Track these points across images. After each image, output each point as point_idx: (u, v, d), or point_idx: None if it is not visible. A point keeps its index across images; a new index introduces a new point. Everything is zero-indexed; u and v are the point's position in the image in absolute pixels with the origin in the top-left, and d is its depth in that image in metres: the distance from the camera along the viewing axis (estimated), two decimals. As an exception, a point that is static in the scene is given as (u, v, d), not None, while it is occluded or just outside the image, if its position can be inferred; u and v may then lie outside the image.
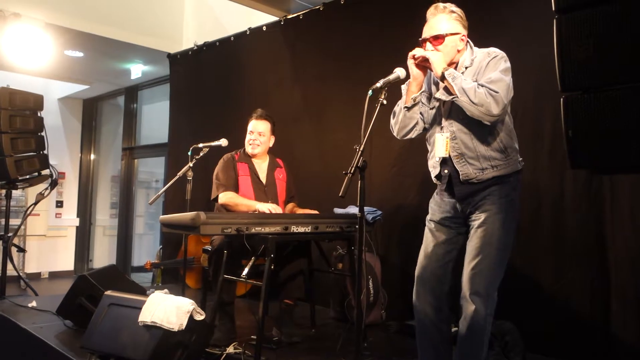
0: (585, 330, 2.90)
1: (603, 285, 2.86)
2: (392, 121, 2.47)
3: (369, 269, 3.65)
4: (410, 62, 2.32)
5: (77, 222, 8.62)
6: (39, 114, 4.72)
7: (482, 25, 3.15)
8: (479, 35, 2.54)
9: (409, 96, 2.37)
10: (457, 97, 2.16)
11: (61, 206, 8.46)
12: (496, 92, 2.11)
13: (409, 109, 2.38)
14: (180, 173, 3.79)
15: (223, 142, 3.78)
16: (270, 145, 3.62)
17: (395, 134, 2.49)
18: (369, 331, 3.39)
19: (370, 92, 2.24)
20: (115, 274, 3.71)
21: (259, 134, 3.54)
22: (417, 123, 2.43)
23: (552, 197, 3.08)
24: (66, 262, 8.44)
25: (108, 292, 2.90)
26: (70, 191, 8.59)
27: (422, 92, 2.40)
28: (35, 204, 4.81)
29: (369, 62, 3.98)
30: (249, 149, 3.55)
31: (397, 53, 2.35)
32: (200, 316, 2.65)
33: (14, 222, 6.22)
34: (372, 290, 3.66)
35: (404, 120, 2.41)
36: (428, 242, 2.41)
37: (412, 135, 2.46)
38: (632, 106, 1.21)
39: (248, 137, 3.55)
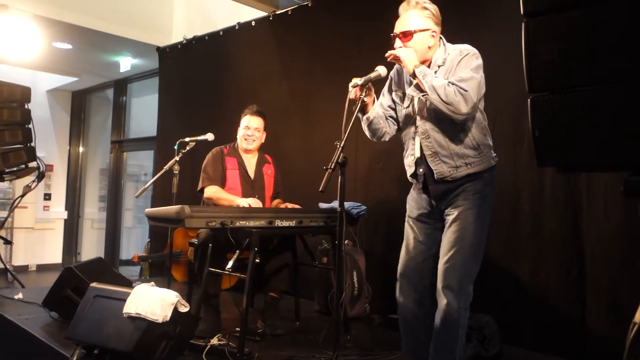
0: (562, 322, 2.98)
1: (579, 278, 2.93)
2: (363, 127, 2.50)
3: (353, 263, 3.71)
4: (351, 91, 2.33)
5: (65, 215, 8.60)
6: (26, 106, 4.72)
7: (464, 23, 3.21)
8: (460, 33, 2.59)
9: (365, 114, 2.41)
10: (428, 94, 2.20)
11: (49, 199, 8.44)
12: (465, 90, 2.14)
13: (368, 124, 2.43)
14: (166, 167, 3.82)
15: (209, 136, 3.81)
16: (262, 141, 3.66)
17: (369, 138, 2.53)
18: (353, 324, 3.45)
19: (350, 88, 2.28)
20: (101, 267, 3.73)
21: (255, 129, 3.58)
22: (386, 130, 2.47)
23: (531, 193, 3.14)
24: (54, 255, 8.43)
25: (93, 284, 2.92)
26: (58, 184, 8.56)
27: (388, 98, 2.48)
28: (22, 196, 4.82)
29: (356, 58, 4.02)
30: (244, 144, 3.58)
31: (385, 49, 2.38)
32: (184, 308, 2.69)
33: (1, 214, 6.22)
34: (356, 284, 3.71)
35: (369, 130, 2.47)
36: (408, 238, 2.46)
37: (386, 138, 2.51)
38: (594, 108, 1.26)
39: (243, 132, 3.58)
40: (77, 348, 2.71)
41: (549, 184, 3.06)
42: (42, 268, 8.19)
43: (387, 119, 2.49)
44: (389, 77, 2.51)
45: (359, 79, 2.31)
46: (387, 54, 2.33)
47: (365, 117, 2.41)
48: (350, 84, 2.32)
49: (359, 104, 2.31)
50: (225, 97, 5.17)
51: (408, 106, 2.41)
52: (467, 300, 2.25)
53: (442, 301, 2.22)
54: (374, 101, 2.43)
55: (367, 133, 2.49)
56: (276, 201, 3.68)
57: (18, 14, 5.04)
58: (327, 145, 4.05)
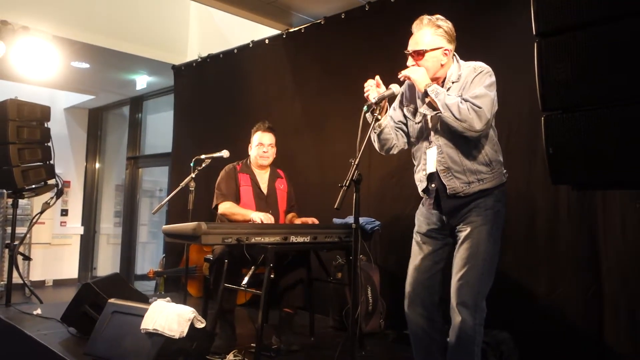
0: (579, 341, 2.95)
1: (596, 297, 2.90)
2: (372, 137, 2.48)
3: (367, 278, 3.71)
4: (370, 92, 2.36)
5: (81, 230, 8.70)
6: (45, 125, 4.81)
7: (479, 41, 3.24)
8: (473, 50, 2.61)
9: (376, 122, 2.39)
10: (441, 112, 2.21)
11: (66, 214, 8.55)
12: (479, 107, 2.16)
13: (378, 133, 2.41)
14: (182, 184, 3.87)
15: (225, 153, 3.86)
16: (275, 156, 3.71)
17: (378, 150, 2.52)
18: (368, 340, 3.44)
19: (365, 107, 2.30)
20: (118, 282, 3.77)
21: (269, 145, 3.63)
22: (395, 142, 2.47)
23: (546, 210, 3.13)
24: (70, 270, 8.52)
25: (111, 300, 2.97)
26: (75, 200, 8.68)
27: (399, 112, 2.50)
28: (41, 213, 4.89)
29: (368, 75, 4.01)
30: (260, 161, 3.63)
31: (397, 67, 2.41)
32: (200, 324, 2.72)
33: (20, 230, 6.31)
34: (370, 299, 3.71)
35: (379, 141, 2.45)
36: (415, 254, 2.47)
37: (395, 151, 2.51)
38: (607, 126, 1.27)
39: (258, 149, 3.62)
40: (96, 364, 2.74)
41: (564, 201, 3.04)
42: (59, 283, 8.28)
43: (396, 131, 2.49)
44: (401, 93, 2.54)
45: (373, 98, 2.33)
46: (399, 74, 2.36)
47: (377, 124, 2.38)
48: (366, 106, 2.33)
49: (374, 122, 2.34)
50: (239, 115, 5.23)
51: (420, 121, 2.42)
52: (482, 316, 2.24)
53: (457, 318, 2.21)
54: (386, 110, 2.44)
55: (376, 144, 2.47)
56: (290, 215, 3.71)
57: (38, 35, 5.16)
58: (340, 162, 4.07)
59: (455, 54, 2.41)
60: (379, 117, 2.35)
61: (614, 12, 1.24)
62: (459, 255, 2.28)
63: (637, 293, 2.72)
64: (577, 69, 1.29)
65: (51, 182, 4.85)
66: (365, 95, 2.39)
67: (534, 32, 1.37)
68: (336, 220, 3.61)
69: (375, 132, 2.42)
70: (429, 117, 2.36)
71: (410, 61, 2.37)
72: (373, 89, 2.38)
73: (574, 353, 2.95)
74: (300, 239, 3.04)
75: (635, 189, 1.33)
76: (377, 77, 2.42)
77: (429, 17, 2.36)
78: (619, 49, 1.23)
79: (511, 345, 2.94)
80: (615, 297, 2.83)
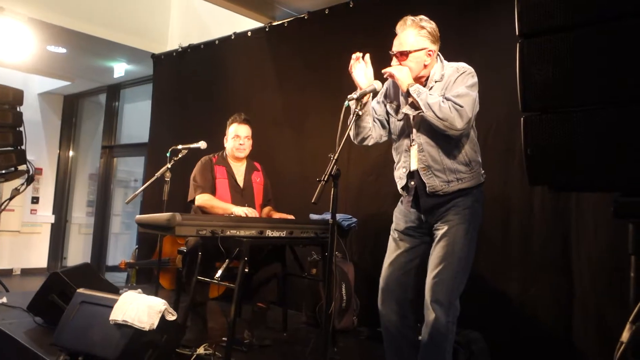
0: (549, 340, 2.99)
1: (566, 297, 2.95)
2: (350, 124, 2.43)
3: (342, 275, 3.71)
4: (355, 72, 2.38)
5: (52, 219, 8.51)
6: (18, 109, 4.69)
7: (460, 41, 3.26)
8: (455, 51, 2.62)
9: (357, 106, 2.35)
10: (423, 111, 2.22)
11: (37, 202, 8.35)
12: (461, 106, 2.18)
13: (356, 118, 2.36)
14: (158, 174, 3.81)
15: (202, 144, 3.81)
16: (251, 148, 3.67)
17: (352, 139, 2.48)
18: (341, 337, 3.45)
19: (346, 102, 2.29)
20: (88, 272, 3.70)
21: (245, 137, 3.59)
22: (371, 133, 2.44)
23: (521, 210, 3.17)
24: (39, 259, 8.33)
25: (80, 290, 2.90)
26: (46, 187, 8.49)
27: (382, 106, 2.50)
28: (10, 199, 4.78)
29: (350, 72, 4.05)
30: (237, 153, 3.58)
31: (380, 64, 2.41)
32: (171, 316, 2.67)
33: (-13, 216, 6.14)
34: (344, 296, 3.71)
35: (355, 127, 2.42)
36: (392, 251, 2.48)
37: (369, 142, 2.48)
38: (585, 128, 1.28)
39: (235, 141, 3.57)
40: (62, 354, 2.69)
41: (539, 202, 3.09)
42: (27, 272, 8.09)
43: (374, 122, 2.48)
44: (385, 87, 2.54)
45: (354, 93, 2.32)
46: (383, 71, 2.36)
47: (356, 107, 2.33)
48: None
49: (354, 117, 2.33)
50: (218, 106, 5.17)
51: (402, 119, 2.44)
52: (455, 314, 2.26)
53: (431, 315, 2.23)
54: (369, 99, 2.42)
55: (352, 132, 2.43)
56: (267, 209, 3.68)
57: (13, 17, 5.03)
58: (319, 157, 4.07)
59: (439, 54, 2.42)
60: (360, 112, 2.34)
61: (596, 15, 1.25)
62: (435, 253, 2.29)
63: (606, 294, 2.77)
64: (558, 71, 1.30)
65: (22, 168, 4.74)
66: (350, 69, 2.40)
67: (517, 33, 1.37)
68: (313, 216, 3.60)
69: (353, 118, 2.35)
70: (411, 116, 2.36)
71: (394, 61, 2.38)
72: (356, 64, 2.40)
73: (545, 353, 3.00)
74: (276, 234, 3.02)
75: (611, 191, 1.34)
76: (367, 56, 2.41)
77: (412, 17, 2.37)
78: (600, 52, 1.24)
79: (482, 345, 2.96)
80: (585, 298, 2.88)
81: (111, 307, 2.64)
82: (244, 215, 3.17)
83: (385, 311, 2.43)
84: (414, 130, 2.37)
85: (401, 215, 2.49)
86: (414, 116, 2.35)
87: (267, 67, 4.89)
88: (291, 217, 3.47)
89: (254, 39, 5.01)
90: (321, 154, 2.34)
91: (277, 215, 3.55)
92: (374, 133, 2.47)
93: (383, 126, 2.51)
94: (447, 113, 2.17)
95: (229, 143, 3.61)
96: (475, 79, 2.30)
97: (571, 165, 1.33)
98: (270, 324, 3.52)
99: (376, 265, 3.83)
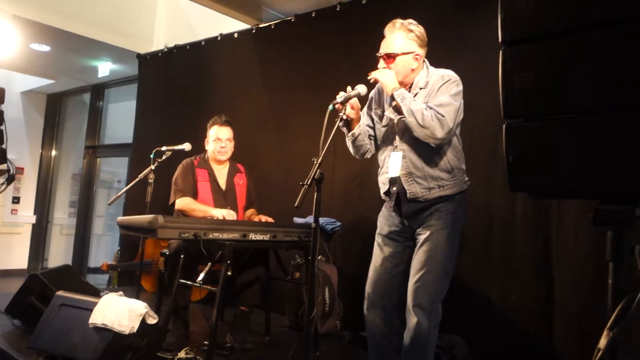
0: (530, 346, 3.02)
1: (547, 303, 2.98)
2: (347, 143, 2.52)
3: (325, 278, 3.70)
4: (347, 104, 2.35)
5: (33, 219, 8.38)
6: (-1, 107, 4.61)
7: (445, 47, 3.27)
8: (442, 55, 2.63)
9: (350, 130, 2.44)
10: (405, 117, 2.23)
11: (18, 202, 8.22)
12: (443, 116, 2.18)
13: (353, 140, 2.45)
14: (141, 175, 3.77)
15: (186, 146, 3.78)
16: (233, 150, 3.64)
17: (354, 155, 2.56)
18: (323, 340, 3.44)
19: (330, 106, 2.29)
20: (69, 274, 3.65)
21: (227, 140, 3.56)
22: (369, 147, 2.51)
23: (504, 217, 3.19)
24: (20, 260, 8.18)
25: (59, 293, 2.87)
26: (28, 187, 8.35)
27: (367, 117, 2.50)
28: (-10, 198, 4.69)
29: (336, 74, 4.06)
30: (218, 156, 3.55)
31: (365, 67, 2.41)
32: (152, 320, 2.65)
33: (-34, 216, 6.03)
34: (327, 300, 3.70)
35: (354, 147, 2.49)
36: (377, 256, 2.48)
37: (368, 155, 2.55)
38: (566, 136, 1.29)
39: (216, 144, 3.54)
40: (40, 358, 2.64)
41: (521, 208, 3.11)
42: (7, 273, 7.94)
43: (369, 137, 2.52)
44: (370, 97, 2.55)
45: (338, 97, 2.32)
46: (369, 77, 2.36)
47: (350, 133, 2.43)
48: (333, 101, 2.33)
49: (340, 121, 2.33)
50: (204, 108, 5.14)
51: (386, 125, 2.44)
52: (437, 319, 2.26)
53: (412, 320, 2.23)
54: (359, 118, 2.45)
55: (351, 150, 2.52)
56: (250, 212, 3.65)
57: (-4, 13, 4.96)
58: (304, 160, 4.07)
59: (426, 60, 2.43)
60: (344, 117, 2.34)
61: (578, 24, 1.26)
62: (417, 258, 2.30)
63: (586, 300, 2.80)
64: (540, 78, 1.31)
65: (2, 167, 4.65)
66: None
67: (500, 40, 1.38)
68: (297, 220, 3.59)
69: (349, 140, 2.46)
70: (395, 122, 2.37)
71: (381, 63, 2.38)
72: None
73: (526, 358, 3.02)
74: (259, 237, 3.01)
75: (591, 199, 1.35)
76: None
77: (401, 20, 2.38)
78: (581, 61, 1.25)
79: (464, 349, 2.98)
80: (565, 304, 2.91)
81: (91, 310, 2.61)
82: (222, 218, 3.15)
83: (370, 316, 2.43)
84: (397, 137, 2.38)
85: (385, 220, 2.50)
86: (397, 122, 2.35)
87: (253, 69, 4.88)
88: (270, 220, 3.45)
89: (241, 41, 5.00)
90: (306, 157, 2.34)
91: (257, 218, 3.52)
92: (371, 147, 2.53)
93: (373, 137, 2.54)
94: (429, 121, 2.18)
95: (210, 146, 3.58)
96: (460, 88, 2.31)
97: (552, 173, 1.34)
98: (252, 328, 3.50)
99: (360, 269, 3.84)
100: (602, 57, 1.23)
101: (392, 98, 2.30)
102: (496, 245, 3.21)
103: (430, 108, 2.20)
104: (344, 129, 2.44)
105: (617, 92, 1.22)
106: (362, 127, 2.46)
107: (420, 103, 2.24)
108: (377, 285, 2.43)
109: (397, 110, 2.31)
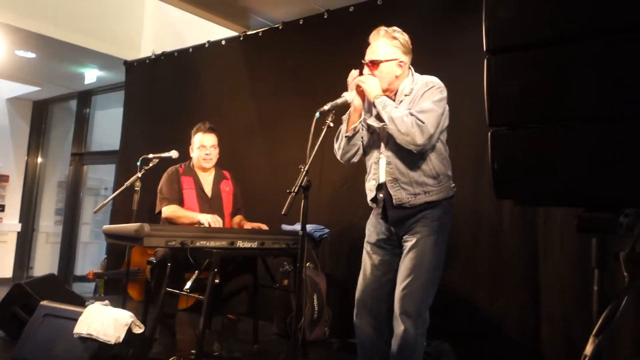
0: (517, 352, 3.03)
1: (534, 310, 2.99)
2: (336, 146, 2.52)
3: (313, 285, 3.69)
4: (354, 92, 2.37)
5: (18, 227, 8.27)
6: (-17, 115, 4.56)
7: (431, 53, 3.29)
8: (426, 63, 2.64)
9: (349, 125, 2.43)
10: (387, 124, 2.24)
11: (2, 210, 8.11)
12: (423, 122, 2.19)
13: (349, 138, 2.43)
14: (127, 183, 3.74)
15: (173, 153, 3.76)
16: (218, 157, 3.62)
17: (338, 158, 2.53)
18: (312, 348, 3.42)
19: (317, 114, 2.29)
20: (54, 284, 3.61)
21: (211, 147, 3.53)
22: (359, 149, 2.49)
23: (491, 224, 3.21)
24: (4, 268, 8.06)
25: (44, 302, 2.83)
26: (13, 195, 8.24)
27: (362, 120, 2.46)
28: (-26, 207, 4.62)
29: (324, 82, 4.06)
30: (203, 164, 3.52)
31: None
32: (139, 329, 2.62)
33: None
34: (316, 307, 3.69)
35: (346, 147, 2.46)
36: (366, 264, 2.47)
37: (355, 159, 2.52)
38: (550, 144, 1.30)
39: (201, 151, 3.51)
40: (23, 369, 2.60)
41: (508, 216, 3.13)
42: (-9, 282, 7.84)
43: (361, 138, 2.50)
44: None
45: (326, 105, 2.33)
46: (352, 80, 2.37)
47: (352, 127, 2.40)
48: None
49: (325, 128, 2.33)
50: (191, 115, 5.11)
51: (373, 131, 2.44)
52: (424, 326, 2.26)
53: (400, 327, 2.23)
54: (360, 114, 2.43)
55: (340, 150, 2.48)
56: (237, 218, 3.63)
57: (-20, 20, 4.91)
58: (291, 167, 4.07)
59: (411, 67, 2.44)
60: (331, 124, 2.34)
61: (564, 33, 1.27)
62: (404, 265, 2.29)
63: (573, 306, 2.82)
64: (524, 86, 1.31)
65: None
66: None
67: (485, 48, 1.38)
68: (285, 227, 3.58)
69: (348, 134, 2.42)
70: (376, 128, 2.37)
71: (366, 70, 2.39)
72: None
73: (512, 365, 3.03)
74: (247, 244, 2.99)
75: (575, 206, 1.36)
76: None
77: (386, 28, 2.39)
78: (566, 70, 1.26)
79: (452, 356, 2.98)
80: (551, 311, 2.92)
81: (76, 320, 2.58)
82: (207, 224, 3.12)
83: (360, 324, 2.42)
84: (382, 143, 2.38)
85: (373, 227, 2.50)
86: (379, 128, 2.35)
87: (240, 76, 4.87)
88: (264, 227, 3.44)
89: (228, 48, 5.00)
90: (294, 163, 2.34)
91: (249, 225, 3.51)
92: (360, 150, 2.50)
93: (362, 143, 2.53)
94: (409, 128, 2.18)
95: (195, 153, 3.55)
96: (444, 94, 2.31)
97: (537, 180, 1.34)
98: (240, 336, 3.47)
99: (349, 276, 3.85)
100: (587, 67, 1.24)
101: (374, 106, 2.30)
102: (483, 252, 3.23)
103: (412, 115, 2.21)
104: (344, 126, 2.41)
105: (601, 102, 1.23)
106: (360, 126, 2.44)
107: (402, 110, 2.25)
108: (367, 293, 2.42)
109: (379, 117, 2.31)
